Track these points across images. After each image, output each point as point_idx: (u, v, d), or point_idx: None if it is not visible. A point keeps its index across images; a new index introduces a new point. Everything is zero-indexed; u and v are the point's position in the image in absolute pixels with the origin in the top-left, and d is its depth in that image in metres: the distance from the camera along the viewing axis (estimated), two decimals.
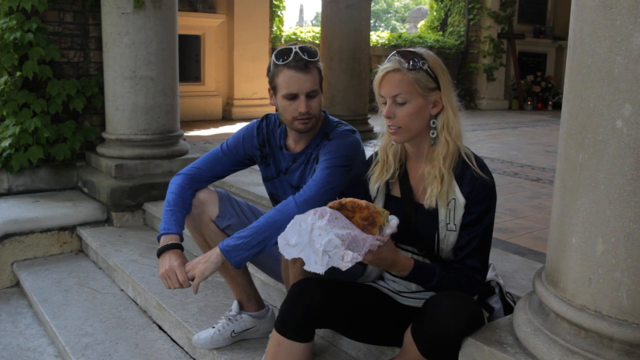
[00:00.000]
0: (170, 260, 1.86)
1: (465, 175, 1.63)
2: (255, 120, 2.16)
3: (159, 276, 1.88)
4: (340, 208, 1.51)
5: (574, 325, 1.29)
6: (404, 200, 1.74)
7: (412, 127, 1.64)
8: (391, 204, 1.76)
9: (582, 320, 1.26)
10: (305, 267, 1.44)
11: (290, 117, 1.94)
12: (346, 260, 1.40)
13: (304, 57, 1.88)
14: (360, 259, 1.41)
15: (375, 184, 1.79)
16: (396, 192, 1.78)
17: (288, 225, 1.50)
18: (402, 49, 1.68)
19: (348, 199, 1.52)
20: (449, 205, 1.63)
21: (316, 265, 1.42)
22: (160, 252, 1.91)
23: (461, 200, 1.62)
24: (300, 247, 1.46)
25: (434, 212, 1.66)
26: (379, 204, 1.80)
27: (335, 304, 1.67)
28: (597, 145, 1.22)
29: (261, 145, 2.12)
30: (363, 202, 1.50)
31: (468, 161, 1.63)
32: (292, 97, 1.90)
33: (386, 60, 1.67)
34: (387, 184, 1.79)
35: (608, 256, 1.22)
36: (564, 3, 11.02)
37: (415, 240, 1.73)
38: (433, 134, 1.66)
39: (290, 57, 1.88)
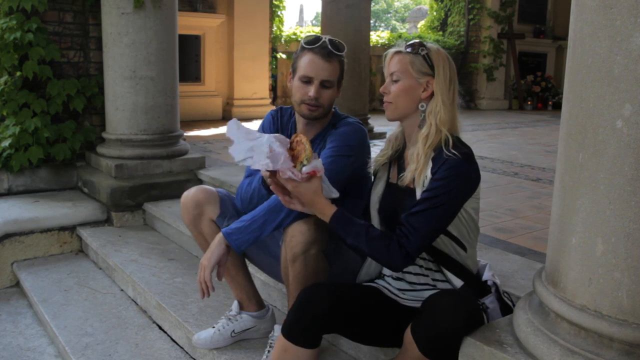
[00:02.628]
0: (212, 254, 1.89)
1: (440, 156, 1.65)
2: (268, 113, 2.25)
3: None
4: (293, 141, 1.65)
5: (574, 325, 1.29)
6: (396, 185, 1.80)
7: (399, 104, 1.73)
8: (389, 190, 1.83)
9: (582, 320, 1.26)
10: (230, 150, 1.60)
11: (299, 99, 1.99)
12: (258, 162, 1.56)
13: (329, 47, 1.96)
14: (265, 168, 1.57)
15: (375, 168, 1.89)
16: (394, 179, 1.84)
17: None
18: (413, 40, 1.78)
19: (304, 137, 1.62)
20: (423, 184, 1.67)
21: (238, 154, 1.59)
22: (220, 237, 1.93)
23: (429, 177, 1.65)
24: (241, 140, 1.61)
25: (412, 193, 1.70)
26: (378, 188, 1.86)
27: (343, 309, 1.66)
28: (597, 145, 1.22)
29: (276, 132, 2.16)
30: (304, 139, 1.61)
31: (444, 145, 1.66)
32: (307, 80, 1.96)
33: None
34: (389, 171, 1.85)
35: (608, 256, 1.22)
36: (564, 3, 11.01)
37: None
38: (421, 116, 1.73)
39: (318, 43, 1.96)
